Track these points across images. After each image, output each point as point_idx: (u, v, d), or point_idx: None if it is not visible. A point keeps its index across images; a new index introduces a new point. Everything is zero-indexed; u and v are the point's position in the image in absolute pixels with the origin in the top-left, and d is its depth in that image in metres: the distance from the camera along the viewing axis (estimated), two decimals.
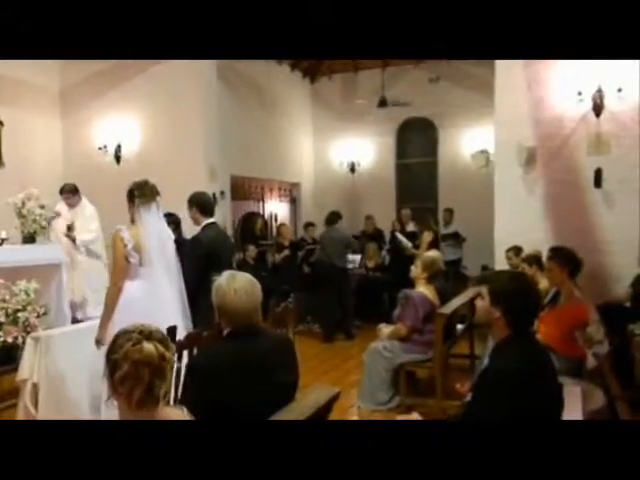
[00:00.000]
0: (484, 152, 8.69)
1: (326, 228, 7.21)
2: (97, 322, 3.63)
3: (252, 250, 7.75)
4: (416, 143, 10.28)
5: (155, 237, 3.39)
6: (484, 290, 2.16)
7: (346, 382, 4.99)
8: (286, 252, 7.64)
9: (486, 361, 2.16)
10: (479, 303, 2.18)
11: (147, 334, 1.64)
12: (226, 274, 2.30)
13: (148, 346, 1.62)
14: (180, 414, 1.73)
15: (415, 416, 2.26)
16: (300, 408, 2.15)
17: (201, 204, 4.01)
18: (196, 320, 3.52)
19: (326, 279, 6.94)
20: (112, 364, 1.63)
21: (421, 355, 4.39)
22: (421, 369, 4.59)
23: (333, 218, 7.08)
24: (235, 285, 2.22)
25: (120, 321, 3.22)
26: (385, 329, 4.56)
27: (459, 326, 5.06)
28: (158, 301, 3.31)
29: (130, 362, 1.60)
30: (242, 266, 6.86)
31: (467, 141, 9.51)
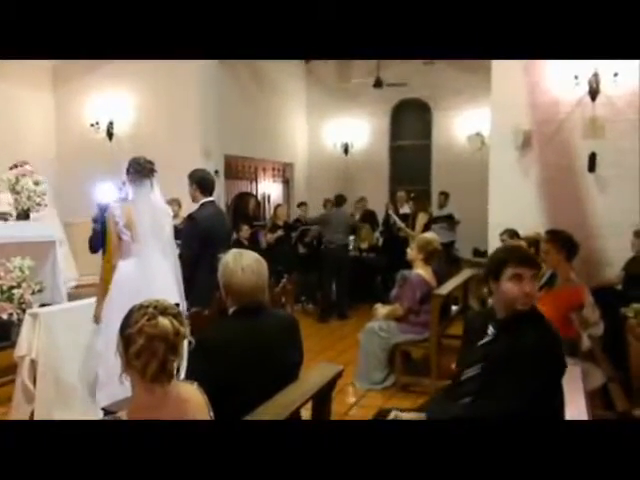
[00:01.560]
0: (479, 135, 8.68)
1: (333, 209, 7.45)
2: (94, 299, 3.63)
3: (245, 230, 7.69)
4: (410, 125, 10.21)
5: (148, 215, 3.36)
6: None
7: (341, 361, 4.98)
8: (279, 232, 7.63)
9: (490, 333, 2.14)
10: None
11: (162, 309, 1.63)
12: (233, 252, 2.29)
13: (163, 321, 1.61)
14: (192, 389, 1.74)
15: (393, 415, 2.24)
16: (305, 385, 2.18)
17: (201, 182, 3.97)
18: (192, 299, 3.50)
19: (329, 259, 7.07)
20: (127, 338, 1.62)
21: (417, 335, 4.42)
22: (416, 349, 4.64)
23: (340, 200, 7.34)
24: (242, 263, 2.21)
25: (114, 298, 3.30)
26: (381, 309, 4.59)
27: (453, 307, 5.11)
28: (152, 279, 3.29)
29: (145, 336, 1.59)
30: (236, 246, 6.85)
31: (461, 124, 9.47)
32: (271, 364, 2.15)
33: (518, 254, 2.14)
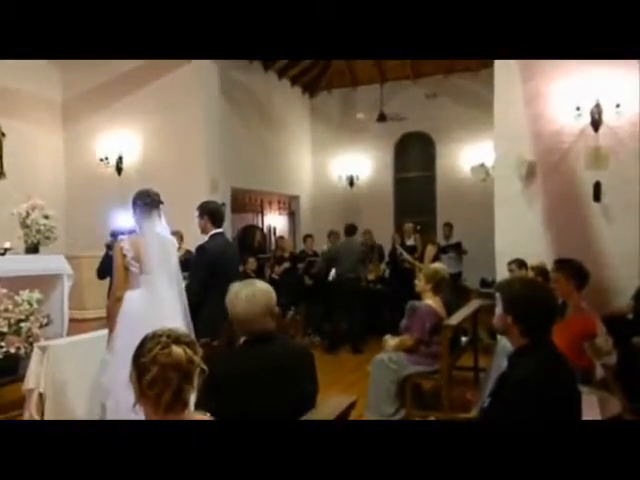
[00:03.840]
0: (483, 166, 8.76)
1: (342, 239, 7.39)
2: (102, 333, 3.61)
3: (252, 262, 7.71)
4: (414, 157, 10.37)
5: (156, 245, 3.39)
6: (498, 297, 2.13)
7: (351, 394, 4.92)
8: (286, 264, 7.63)
9: (504, 364, 2.14)
10: (496, 310, 2.14)
11: (175, 338, 1.64)
12: (239, 282, 2.36)
13: (177, 350, 1.61)
14: (205, 419, 1.71)
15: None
16: (319, 415, 2.14)
17: (213, 213, 4.01)
18: (200, 330, 3.45)
19: (341, 291, 6.98)
20: (140, 368, 1.62)
21: (427, 367, 4.36)
22: (427, 381, 4.57)
23: (351, 230, 7.25)
24: (242, 293, 2.27)
25: (121, 330, 3.28)
26: (391, 340, 4.53)
27: (463, 338, 5.06)
28: (159, 310, 3.29)
29: (159, 366, 1.59)
30: (242, 279, 6.85)
31: (464, 155, 9.60)
32: (282, 393, 2.13)
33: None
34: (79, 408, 3.49)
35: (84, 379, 3.53)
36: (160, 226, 3.47)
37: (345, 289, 7.00)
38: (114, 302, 3.37)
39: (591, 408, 2.18)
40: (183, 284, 3.63)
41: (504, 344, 3.43)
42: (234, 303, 2.27)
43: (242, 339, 2.29)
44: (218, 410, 1.83)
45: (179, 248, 5.45)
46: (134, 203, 3.46)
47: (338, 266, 7.13)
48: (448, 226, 8.89)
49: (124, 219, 4.68)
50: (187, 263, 4.29)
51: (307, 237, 8.56)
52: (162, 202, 3.50)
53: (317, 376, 2.32)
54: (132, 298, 3.34)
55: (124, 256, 3.32)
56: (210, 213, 4.01)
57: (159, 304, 3.33)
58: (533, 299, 2.06)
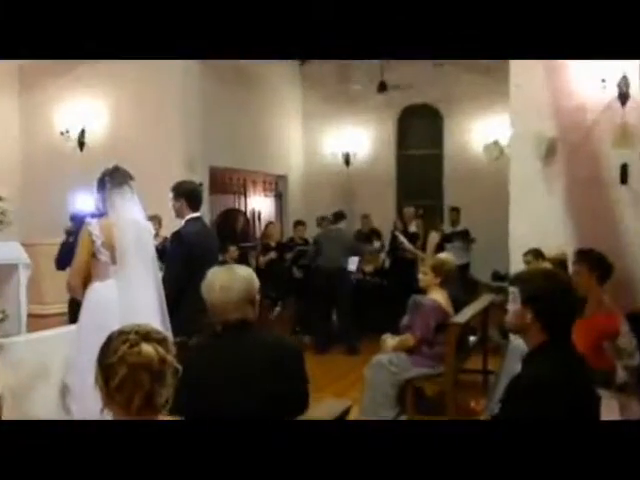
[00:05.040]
0: (496, 144, 8.80)
1: (328, 227, 7.44)
2: (66, 329, 3.66)
3: (233, 251, 7.74)
4: (419, 133, 10.39)
5: (131, 232, 3.38)
6: (515, 291, 2.18)
7: (346, 399, 5.00)
8: (272, 254, 7.68)
9: (517, 367, 2.21)
10: (510, 306, 2.20)
11: (145, 334, 1.65)
12: (216, 267, 2.46)
13: (147, 348, 1.63)
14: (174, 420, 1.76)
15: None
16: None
17: (190, 195, 4.03)
18: (176, 327, 3.50)
19: (318, 284, 7.06)
20: (106, 369, 1.63)
21: (431, 369, 4.42)
22: (430, 385, 4.64)
23: (338, 217, 7.33)
24: (218, 277, 2.36)
25: (85, 326, 3.33)
26: (390, 340, 4.59)
27: (471, 338, 5.14)
28: (133, 305, 3.30)
29: (127, 366, 1.60)
30: None
31: (477, 131, 9.65)
32: (253, 390, 2.18)
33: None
34: (41, 411, 3.53)
35: (46, 381, 3.57)
36: (135, 209, 3.47)
37: (323, 281, 7.01)
38: (71, 291, 3.38)
39: (611, 414, 2.24)
40: (161, 275, 3.66)
41: (517, 344, 3.49)
42: (209, 288, 2.35)
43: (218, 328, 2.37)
44: (187, 406, 1.87)
45: (156, 235, 5.48)
46: (101, 181, 3.44)
47: (320, 255, 7.18)
48: (455, 211, 8.98)
49: (86, 201, 4.69)
50: (164, 252, 4.34)
51: (298, 224, 8.57)
52: (133, 178, 3.50)
53: (305, 374, 2.37)
54: (99, 290, 3.35)
55: (92, 242, 3.31)
56: (186, 195, 4.02)
57: (133, 299, 3.32)
58: (557, 292, 2.12)
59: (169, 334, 3.23)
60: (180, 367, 1.73)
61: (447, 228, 8.64)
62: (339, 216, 7.40)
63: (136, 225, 3.43)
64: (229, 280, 2.33)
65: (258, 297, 2.41)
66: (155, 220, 5.75)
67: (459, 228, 8.76)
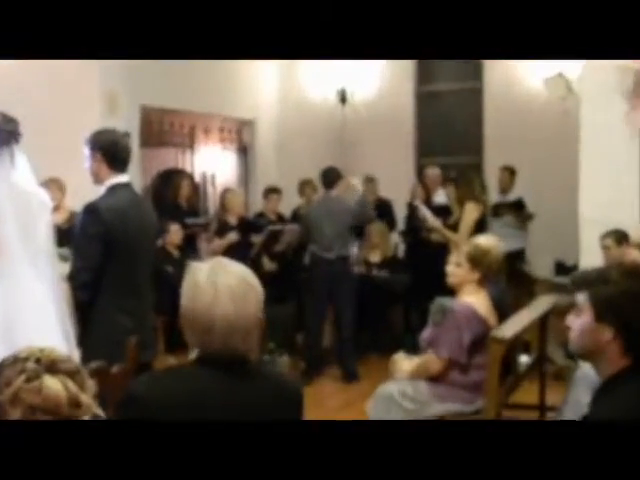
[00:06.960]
0: (562, 77, 8.77)
1: (317, 196, 7.59)
2: None
3: (175, 232, 7.77)
4: (449, 61, 10.23)
5: (9, 206, 3.46)
6: (583, 299, 2.23)
7: None
8: (232, 236, 7.69)
9: (586, 400, 2.21)
10: (574, 321, 2.28)
11: (49, 363, 1.72)
12: (210, 260, 2.36)
13: (52, 382, 1.70)
14: None
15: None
16: None
17: (110, 149, 4.11)
18: (89, 347, 3.68)
19: (317, 283, 7.25)
20: None
21: (464, 405, 4.50)
22: None
23: (330, 179, 7.25)
24: (219, 279, 2.21)
25: None
26: (404, 362, 4.63)
27: (523, 359, 5.12)
28: (16, 312, 3.41)
29: (23, 408, 1.68)
30: (160, 256, 6.86)
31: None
32: None
33: None
34: None
35: None
36: (18, 173, 3.54)
37: (323, 279, 7.14)
38: None
39: None
40: (61, 269, 3.75)
41: (588, 370, 3.54)
42: (195, 293, 2.23)
43: (194, 354, 2.29)
44: None
45: (58, 208, 5.45)
46: None
47: (312, 240, 7.27)
48: (508, 171, 8.86)
49: None
50: (70, 234, 4.46)
51: (270, 192, 8.55)
52: (20, 134, 3.55)
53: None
54: None
55: None
56: (105, 149, 4.12)
57: (15, 303, 3.42)
58: None
59: (77, 354, 3.46)
60: (102, 414, 1.79)
61: (492, 197, 8.54)
62: (332, 176, 7.23)
63: (16, 195, 3.48)
64: (244, 289, 2.22)
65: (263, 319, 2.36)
66: (53, 186, 5.73)
67: (511, 198, 8.69)
